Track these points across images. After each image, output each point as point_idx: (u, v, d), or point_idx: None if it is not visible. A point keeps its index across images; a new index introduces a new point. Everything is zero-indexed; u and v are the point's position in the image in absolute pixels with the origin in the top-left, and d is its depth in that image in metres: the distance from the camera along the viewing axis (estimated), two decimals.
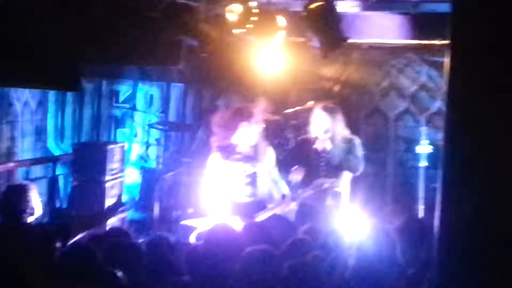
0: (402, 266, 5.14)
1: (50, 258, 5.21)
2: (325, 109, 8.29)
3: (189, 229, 7.54)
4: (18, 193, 6.53)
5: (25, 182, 7.53)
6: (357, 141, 8.37)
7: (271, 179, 8.14)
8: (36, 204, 6.53)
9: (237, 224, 6.84)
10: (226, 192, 7.99)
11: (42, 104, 11.60)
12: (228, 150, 8.02)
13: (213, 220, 7.33)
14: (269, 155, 8.21)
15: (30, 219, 6.46)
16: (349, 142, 8.33)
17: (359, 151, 8.34)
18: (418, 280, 5.19)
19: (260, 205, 7.97)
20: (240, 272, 5.01)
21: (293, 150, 8.88)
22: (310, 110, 8.51)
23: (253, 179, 8.04)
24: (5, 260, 4.62)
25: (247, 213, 7.66)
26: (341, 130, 8.31)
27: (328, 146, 8.21)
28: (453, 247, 4.02)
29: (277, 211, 7.90)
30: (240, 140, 7.98)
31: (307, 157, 8.23)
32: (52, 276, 4.76)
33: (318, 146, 8.22)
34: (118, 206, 7.96)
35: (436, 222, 4.11)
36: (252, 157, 8.05)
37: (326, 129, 8.20)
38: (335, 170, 8.22)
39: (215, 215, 7.73)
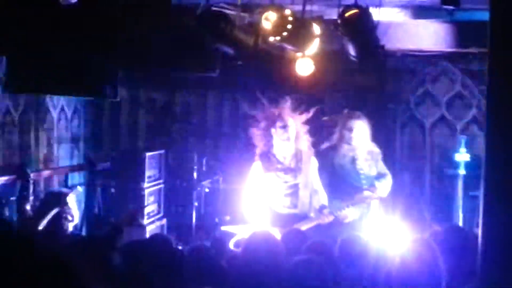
0: (443, 276, 5.11)
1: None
2: (360, 117, 8.31)
3: (228, 235, 7.57)
4: (58, 200, 6.64)
5: (64, 189, 7.63)
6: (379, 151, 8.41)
7: (312, 190, 8.05)
8: (75, 211, 6.63)
9: (276, 234, 6.85)
10: (266, 202, 7.94)
11: (78, 111, 11.69)
12: (269, 159, 8.02)
13: (252, 227, 7.29)
14: (313, 164, 8.12)
15: (69, 226, 6.55)
16: (375, 153, 8.35)
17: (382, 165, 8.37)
18: None
19: (300, 216, 7.89)
20: (286, 282, 4.99)
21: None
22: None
23: (294, 190, 7.99)
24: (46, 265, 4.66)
25: (286, 224, 7.56)
26: (369, 140, 8.36)
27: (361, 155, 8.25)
28: (496, 256, 4.00)
29: (316, 223, 7.81)
30: (279, 149, 7.98)
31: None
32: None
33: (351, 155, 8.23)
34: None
35: (479, 230, 4.09)
36: (294, 168, 8.00)
37: (364, 138, 8.22)
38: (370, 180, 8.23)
39: (254, 224, 7.70)
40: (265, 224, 7.67)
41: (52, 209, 6.54)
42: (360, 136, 8.24)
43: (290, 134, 7.90)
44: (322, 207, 7.89)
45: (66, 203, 6.60)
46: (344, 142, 8.29)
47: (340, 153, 8.27)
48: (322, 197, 8.02)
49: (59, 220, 6.47)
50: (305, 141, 8.04)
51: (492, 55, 4.20)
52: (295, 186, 7.97)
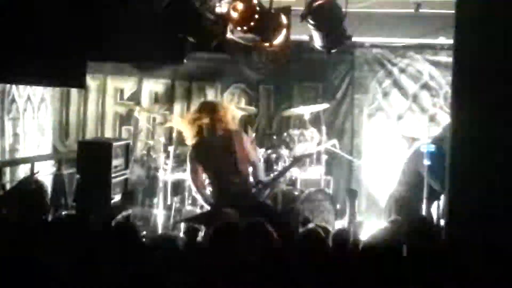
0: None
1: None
2: None
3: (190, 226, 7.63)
4: (40, 190, 6.64)
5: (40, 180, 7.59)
6: None
7: (251, 163, 8.23)
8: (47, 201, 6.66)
9: (233, 214, 7.08)
10: (214, 184, 8.13)
11: (44, 100, 11.60)
12: (201, 144, 8.11)
13: (211, 215, 7.61)
14: (244, 140, 8.29)
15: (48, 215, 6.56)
16: None
17: None
18: None
19: (246, 192, 8.05)
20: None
21: None
22: None
23: (234, 168, 8.07)
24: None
25: (237, 202, 7.73)
26: None
27: None
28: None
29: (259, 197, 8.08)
30: (208, 132, 8.08)
31: None
32: None
33: None
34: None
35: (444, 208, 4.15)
36: (228, 147, 8.08)
37: None
38: None
39: (211, 208, 7.93)
40: (219, 206, 7.83)
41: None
42: None
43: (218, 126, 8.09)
44: (259, 182, 8.09)
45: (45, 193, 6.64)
46: None
47: None
48: (260, 171, 8.32)
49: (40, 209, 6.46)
50: (233, 119, 8.19)
51: (456, 46, 4.25)
52: (234, 164, 8.06)
